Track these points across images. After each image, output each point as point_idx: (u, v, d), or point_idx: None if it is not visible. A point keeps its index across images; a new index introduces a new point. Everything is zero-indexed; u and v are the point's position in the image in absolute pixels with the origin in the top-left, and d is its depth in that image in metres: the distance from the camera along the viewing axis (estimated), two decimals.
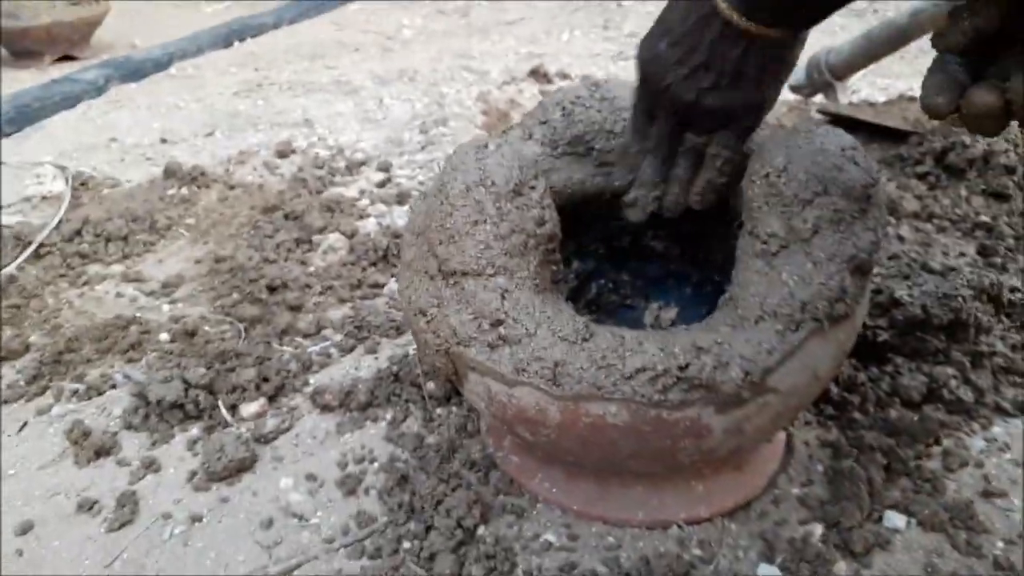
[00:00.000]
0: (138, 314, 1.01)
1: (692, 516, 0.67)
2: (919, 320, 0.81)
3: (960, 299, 0.81)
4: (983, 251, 0.98)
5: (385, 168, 1.36)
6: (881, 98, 1.46)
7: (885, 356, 0.82)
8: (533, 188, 0.63)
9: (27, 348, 0.95)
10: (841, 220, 0.60)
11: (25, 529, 0.70)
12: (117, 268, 1.13)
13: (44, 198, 1.36)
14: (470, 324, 0.62)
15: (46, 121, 1.79)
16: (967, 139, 1.18)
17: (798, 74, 1.49)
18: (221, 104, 1.85)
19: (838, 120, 1.37)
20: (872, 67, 1.43)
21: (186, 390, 0.82)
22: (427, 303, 0.65)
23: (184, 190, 1.35)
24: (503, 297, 0.61)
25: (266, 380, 0.85)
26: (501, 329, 0.61)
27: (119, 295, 1.06)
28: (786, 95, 1.51)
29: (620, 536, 0.67)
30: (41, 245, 1.17)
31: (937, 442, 0.74)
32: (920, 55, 1.77)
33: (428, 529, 0.67)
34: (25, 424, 0.83)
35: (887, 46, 1.35)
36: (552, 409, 0.60)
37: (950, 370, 0.79)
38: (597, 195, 0.75)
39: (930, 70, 0.48)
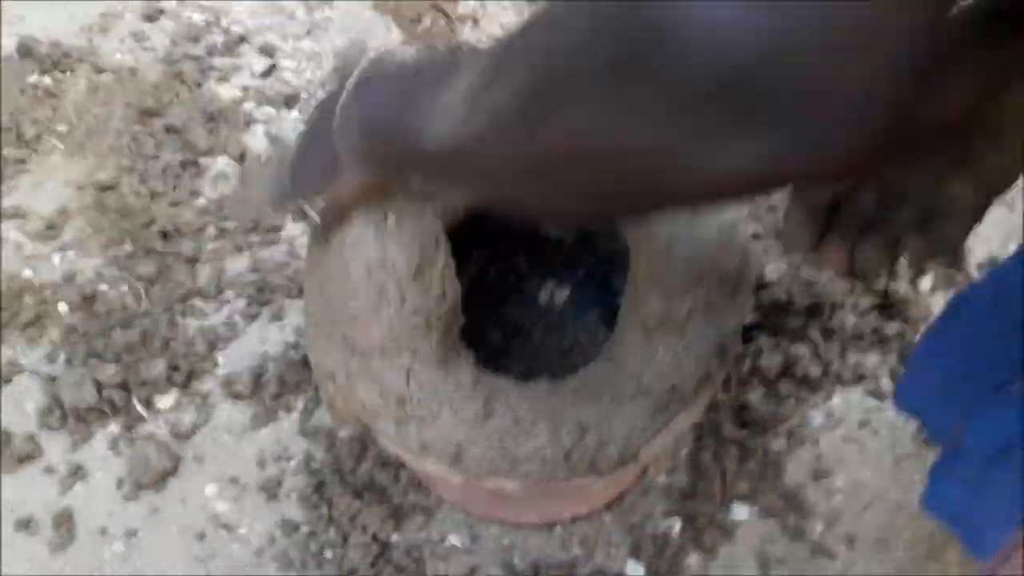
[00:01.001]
0: (28, 271, 0.99)
1: (575, 513, 0.79)
2: (782, 303, 0.90)
3: (821, 284, 0.90)
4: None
5: (268, 52, 1.28)
6: None
7: (750, 335, 0.91)
8: (434, 265, 0.66)
9: None
10: (712, 307, 0.66)
11: None
12: None
13: None
14: (377, 400, 0.67)
15: None
16: None
17: None
18: None
19: None
20: None
21: (99, 391, 0.85)
22: (336, 368, 0.69)
23: (47, 79, 1.24)
24: (408, 376, 0.66)
25: (176, 369, 0.88)
26: (406, 407, 0.66)
27: (2, 239, 1.03)
28: None
29: (514, 537, 0.78)
30: None
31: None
32: None
33: (346, 540, 0.76)
34: None
35: None
36: (456, 478, 0.67)
37: (804, 348, 0.90)
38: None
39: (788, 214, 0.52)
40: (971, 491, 0.53)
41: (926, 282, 0.99)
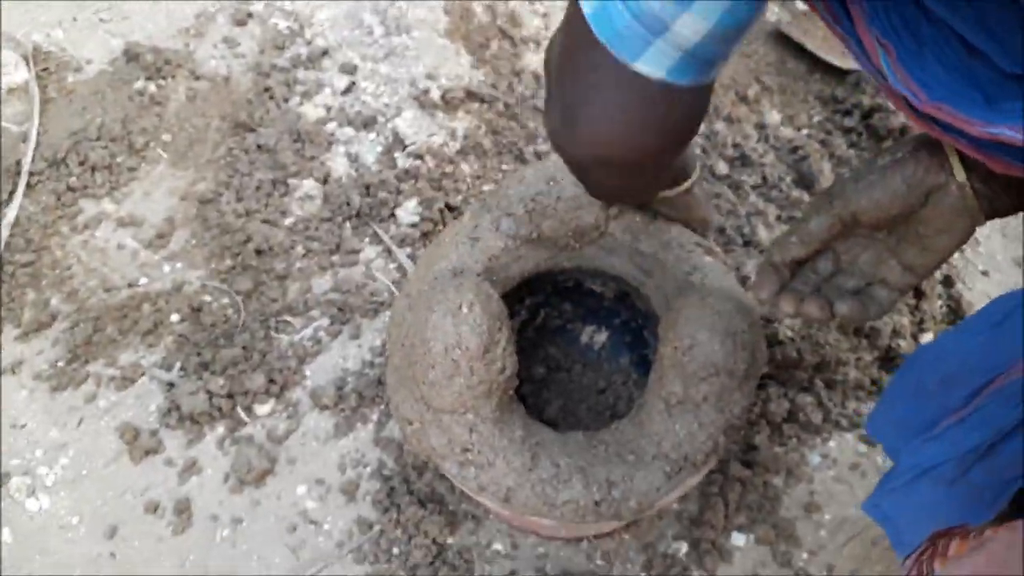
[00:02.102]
0: (144, 279, 1.16)
1: (599, 532, 0.95)
2: (793, 360, 1.03)
3: (828, 345, 1.03)
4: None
5: (349, 71, 1.40)
6: None
7: (762, 384, 1.05)
8: (499, 344, 0.80)
9: (53, 318, 1.11)
10: (723, 394, 0.80)
11: (112, 532, 0.95)
12: (109, 206, 1.24)
13: (11, 90, 1.38)
14: (445, 447, 0.83)
15: None
16: (892, 105, 1.29)
17: None
18: None
19: (788, 41, 1.43)
20: None
21: (210, 399, 1.02)
22: (412, 416, 0.84)
23: (152, 85, 1.39)
24: (471, 431, 0.82)
25: (272, 382, 1.05)
26: (468, 455, 0.82)
27: (120, 247, 1.19)
28: None
29: (548, 548, 0.95)
30: (31, 174, 1.25)
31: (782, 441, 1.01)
32: None
33: (410, 540, 0.94)
34: (82, 419, 1.03)
35: None
36: (504, 512, 0.84)
37: (809, 397, 1.04)
38: (550, 269, 0.93)
39: (759, 270, 0.71)
40: (899, 499, 0.68)
41: (927, 337, 1.11)
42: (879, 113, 1.30)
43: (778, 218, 1.21)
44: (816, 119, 1.35)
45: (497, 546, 0.95)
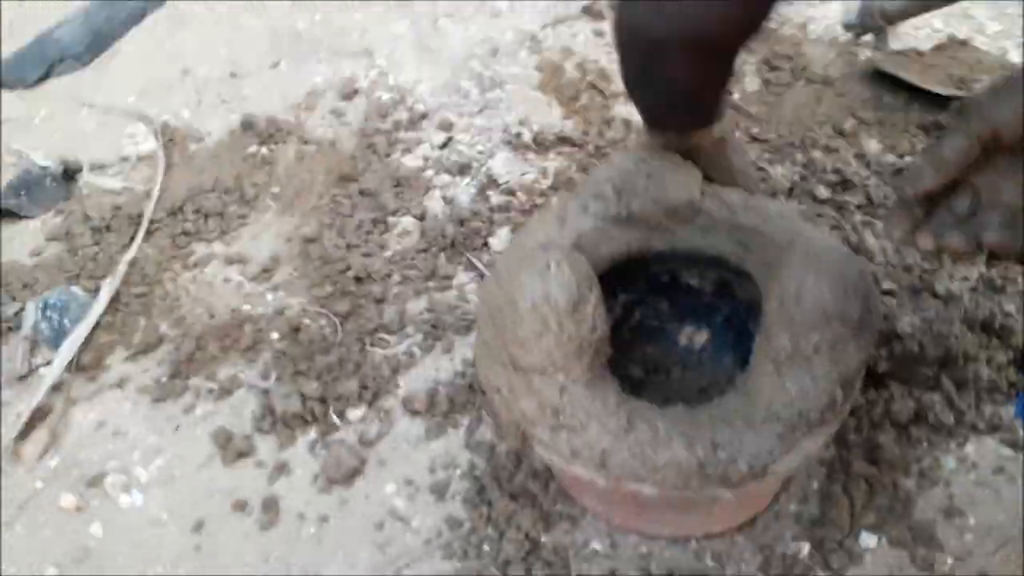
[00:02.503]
0: (247, 306, 1.19)
1: (708, 532, 0.87)
2: (914, 354, 0.95)
3: (954, 337, 0.95)
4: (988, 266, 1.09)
5: (446, 127, 1.47)
6: (928, 45, 1.48)
7: (882, 382, 0.97)
8: (588, 302, 0.77)
9: (160, 341, 1.15)
10: (837, 344, 0.73)
11: (198, 526, 0.93)
12: (219, 248, 1.30)
13: (140, 158, 1.50)
14: (536, 411, 0.78)
15: (118, 46, 1.89)
16: None
17: (850, 14, 1.51)
18: (284, 27, 1.91)
19: (883, 76, 1.42)
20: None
21: (303, 402, 1.01)
22: (502, 383, 0.81)
23: (264, 149, 1.49)
24: (561, 392, 0.77)
25: (365, 388, 1.04)
26: (560, 417, 0.78)
27: (226, 280, 1.24)
28: (837, 33, 1.54)
29: (651, 547, 0.87)
30: (151, 222, 1.34)
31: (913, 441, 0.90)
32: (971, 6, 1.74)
33: (502, 536, 0.88)
34: (179, 426, 1.04)
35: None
36: (599, 481, 0.78)
37: (937, 396, 0.95)
38: (643, 253, 0.90)
39: (892, 207, 0.63)
40: None
41: None
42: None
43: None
44: (919, 146, 1.31)
45: (595, 545, 0.87)
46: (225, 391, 1.07)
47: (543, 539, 0.88)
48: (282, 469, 0.98)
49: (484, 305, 0.86)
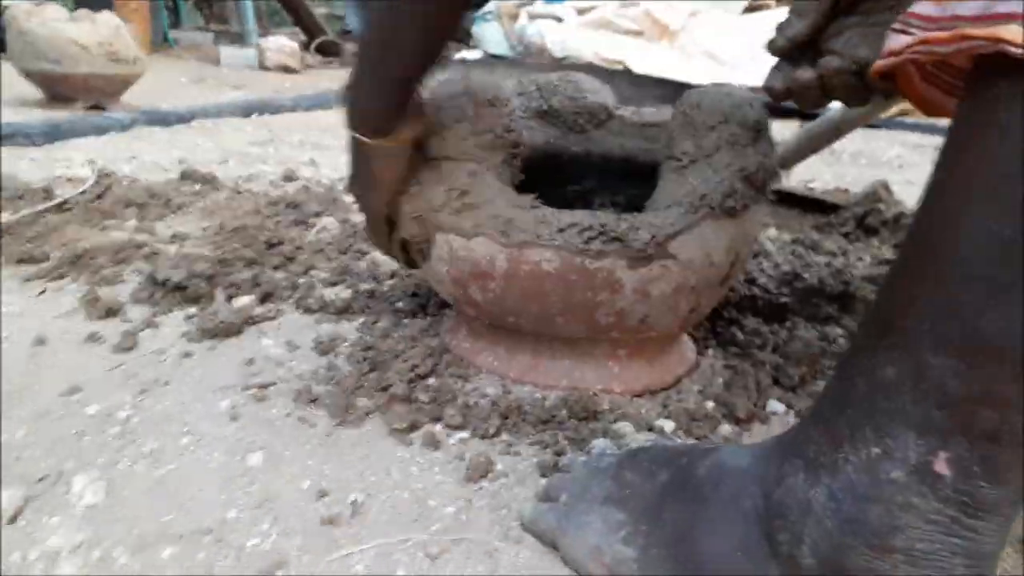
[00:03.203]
0: (141, 236, 1.15)
1: (607, 388, 0.80)
2: (815, 289, 0.97)
3: (850, 274, 0.98)
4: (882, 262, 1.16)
5: None
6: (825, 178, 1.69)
7: (786, 316, 0.97)
8: (505, 104, 0.81)
9: (47, 257, 1.08)
10: (736, 143, 0.77)
11: (39, 342, 0.82)
12: (132, 224, 1.28)
13: (69, 180, 1.52)
14: (442, 195, 0.77)
15: (75, 140, 1.98)
16: (882, 206, 1.39)
17: None
18: (236, 147, 2.05)
19: (781, 194, 1.58)
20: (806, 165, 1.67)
21: (190, 277, 0.95)
22: (410, 185, 0.80)
23: (197, 187, 1.52)
24: (471, 176, 0.77)
25: (258, 285, 0.99)
26: (466, 198, 0.77)
27: (133, 239, 1.21)
28: None
29: (546, 394, 0.79)
30: (65, 202, 1.32)
31: (819, 370, 0.88)
32: (845, 160, 2.03)
33: (386, 370, 0.79)
34: (44, 291, 0.95)
35: (825, 138, 1.60)
36: (500, 258, 0.75)
37: (839, 330, 0.95)
38: (560, 153, 0.94)
39: (770, 69, 0.71)
40: None
41: None
42: (870, 216, 1.39)
43: None
44: (813, 233, 1.43)
45: (488, 390, 0.79)
46: (106, 281, 1.00)
47: (430, 380, 0.80)
48: (150, 324, 0.89)
49: None
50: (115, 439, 0.66)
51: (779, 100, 0.75)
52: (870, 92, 0.68)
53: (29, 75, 2.44)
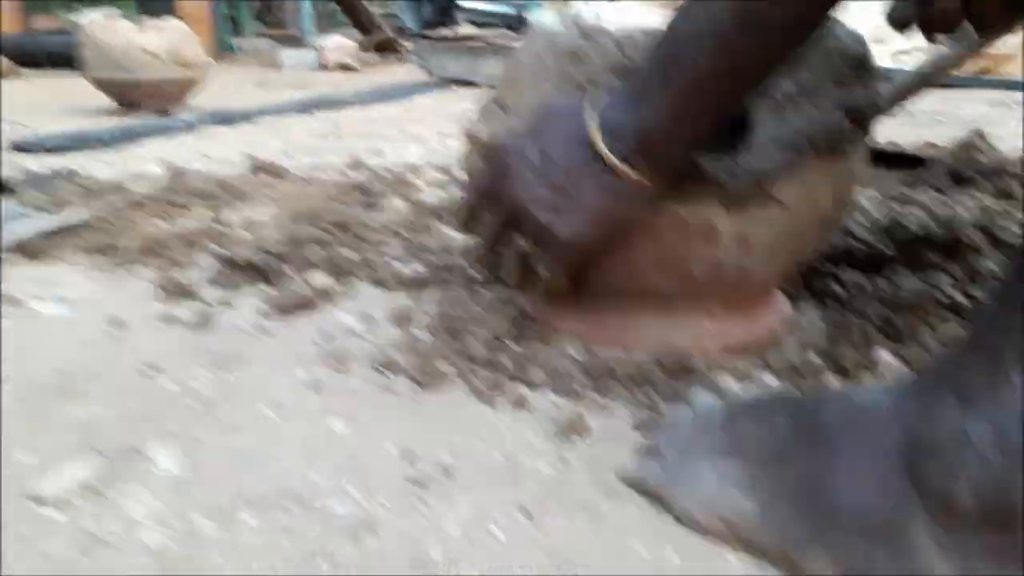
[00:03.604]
0: (221, 229, 1.14)
1: (700, 346, 0.75)
2: (918, 237, 0.90)
3: (956, 220, 0.90)
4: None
5: (446, 171, 1.52)
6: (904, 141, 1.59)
7: (888, 267, 0.90)
8: (588, 57, 0.77)
9: (115, 249, 1.08)
10: (841, 79, 0.71)
11: (114, 323, 0.81)
12: (204, 212, 1.28)
13: (139, 176, 1.53)
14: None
15: (145, 141, 2.01)
16: (978, 155, 1.30)
17: None
18: (301, 141, 2.06)
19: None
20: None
21: (263, 256, 0.93)
22: (489, 131, 0.77)
23: (267, 178, 1.52)
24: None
25: (331, 262, 0.97)
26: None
27: (206, 227, 1.20)
28: None
29: (635, 355, 0.75)
30: (139, 197, 1.33)
31: (929, 322, 0.81)
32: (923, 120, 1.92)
33: (466, 338, 0.76)
34: (118, 276, 0.95)
35: (913, 87, 1.51)
36: None
37: (947, 279, 0.88)
38: None
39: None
40: None
41: None
42: (964, 167, 1.30)
43: None
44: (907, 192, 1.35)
45: (571, 352, 0.75)
46: (178, 266, 0.99)
47: (513, 346, 0.76)
48: (226, 304, 0.87)
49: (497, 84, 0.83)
50: (194, 412, 0.64)
51: (901, 27, 0.69)
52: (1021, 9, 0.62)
53: (101, 84, 2.50)
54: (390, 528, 0.50)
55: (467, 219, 0.66)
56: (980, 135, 1.38)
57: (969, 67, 3.37)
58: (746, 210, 0.68)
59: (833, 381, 0.70)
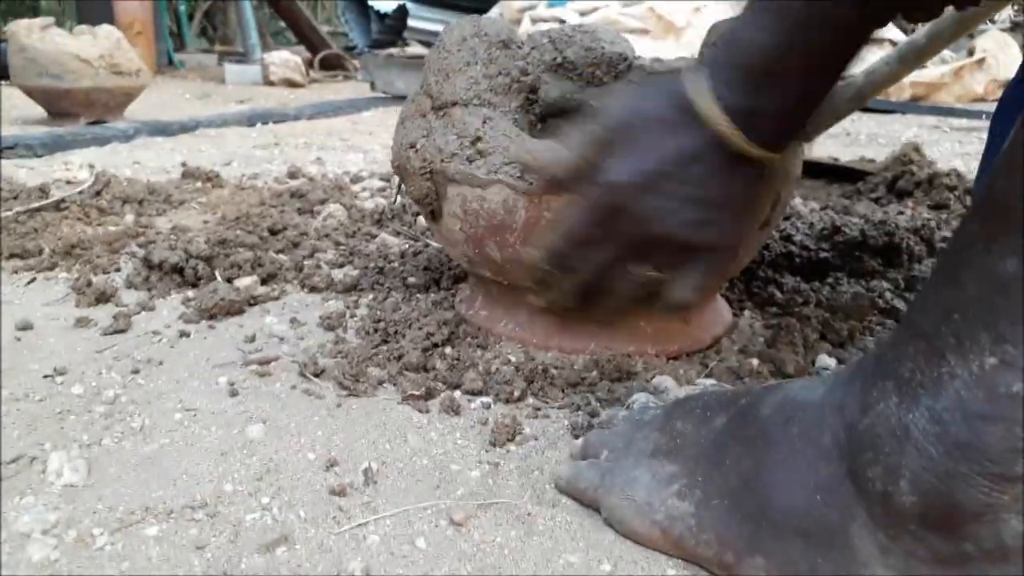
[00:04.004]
0: (146, 232, 1.09)
1: (640, 351, 0.73)
2: (857, 242, 0.90)
3: (894, 225, 0.90)
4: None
5: (386, 179, 1.49)
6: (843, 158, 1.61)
7: (826, 273, 0.90)
8: (520, 46, 0.75)
9: (40, 251, 1.03)
10: None
11: (24, 327, 0.76)
12: (130, 219, 1.22)
13: (68, 181, 1.47)
14: (453, 143, 0.71)
15: (76, 150, 1.94)
16: (914, 168, 1.31)
17: None
18: (240, 151, 2.00)
19: (804, 165, 1.51)
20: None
21: (187, 259, 0.89)
22: (417, 136, 0.74)
23: (200, 184, 1.47)
24: (484, 122, 0.71)
25: (261, 266, 0.93)
26: (479, 145, 0.70)
27: (130, 229, 1.15)
28: None
29: (573, 358, 0.72)
30: (61, 200, 1.27)
31: (868, 327, 0.81)
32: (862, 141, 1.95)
33: (398, 340, 0.73)
34: (33, 280, 0.90)
35: (849, 104, 1.52)
36: (519, 206, 0.68)
37: (886, 284, 0.87)
38: (577, 109, 0.87)
39: None
40: None
41: None
42: (901, 180, 1.31)
43: None
44: (842, 201, 1.36)
45: (509, 356, 0.73)
46: (100, 269, 0.94)
47: (447, 349, 0.73)
48: (146, 307, 0.83)
49: (410, 94, 0.81)
50: (101, 417, 0.60)
51: None
52: None
53: (31, 92, 2.41)
54: (306, 540, 0.47)
55: (559, 263, 0.60)
56: (916, 148, 1.40)
57: (904, 93, 3.47)
58: None
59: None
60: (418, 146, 0.74)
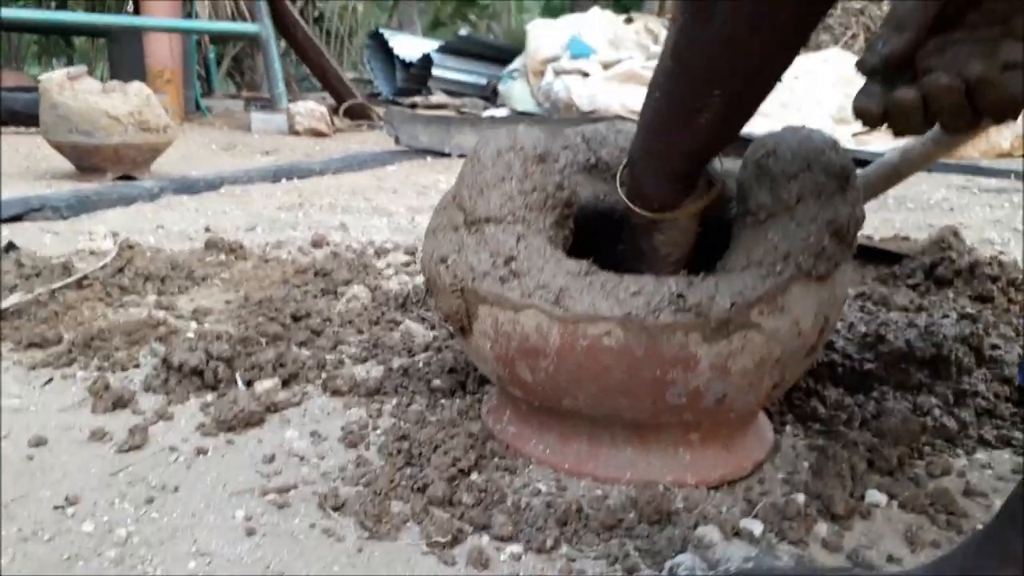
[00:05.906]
0: (161, 313, 1.07)
1: (678, 480, 0.69)
2: (903, 353, 0.86)
3: (942, 336, 0.86)
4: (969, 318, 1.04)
5: (411, 252, 1.47)
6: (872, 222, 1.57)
7: (871, 385, 0.86)
8: (556, 160, 0.72)
9: (59, 340, 1.01)
10: (822, 193, 0.67)
11: (38, 443, 0.73)
12: (152, 299, 1.21)
13: (92, 253, 1.46)
14: (486, 261, 0.68)
15: (102, 211, 1.94)
16: (953, 254, 1.27)
17: None
18: (264, 213, 2.00)
19: None
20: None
21: (207, 360, 0.86)
22: (449, 251, 0.72)
23: (223, 256, 1.46)
24: (518, 240, 0.68)
25: (282, 365, 0.90)
26: (513, 264, 0.67)
27: (151, 316, 1.13)
28: None
29: (608, 489, 0.69)
30: (84, 278, 1.25)
31: (918, 449, 0.76)
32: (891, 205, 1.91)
33: (423, 465, 0.69)
34: (51, 380, 0.87)
35: (884, 183, 1.48)
36: (553, 332, 0.65)
37: (934, 399, 0.83)
38: (612, 210, 0.84)
39: (859, 89, 0.58)
40: None
41: None
42: (941, 266, 1.27)
43: None
44: (878, 288, 1.32)
45: (540, 486, 0.69)
46: (119, 365, 0.92)
47: (473, 476, 0.70)
48: (163, 415, 0.80)
49: (442, 200, 0.78)
50: (111, 564, 0.57)
51: (873, 125, 0.62)
52: (980, 114, 0.57)
53: (60, 148, 2.43)
54: None
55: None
56: (955, 232, 1.36)
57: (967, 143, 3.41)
58: (725, 337, 0.63)
59: (824, 529, 0.64)
60: (449, 261, 0.71)
